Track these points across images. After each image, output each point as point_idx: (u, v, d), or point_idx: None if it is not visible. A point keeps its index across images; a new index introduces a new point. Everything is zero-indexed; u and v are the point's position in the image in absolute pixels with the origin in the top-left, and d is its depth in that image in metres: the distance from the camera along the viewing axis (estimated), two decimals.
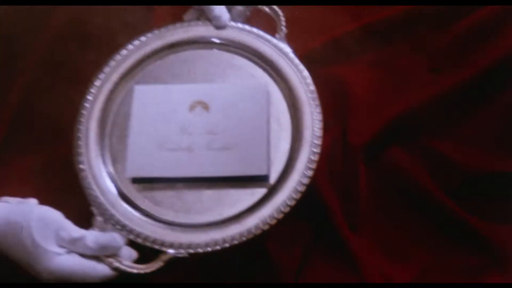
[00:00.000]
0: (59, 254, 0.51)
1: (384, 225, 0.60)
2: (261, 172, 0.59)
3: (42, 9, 0.68)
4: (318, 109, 0.61)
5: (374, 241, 0.59)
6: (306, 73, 0.62)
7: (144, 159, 0.60)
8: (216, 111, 0.62)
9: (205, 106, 0.62)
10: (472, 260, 0.56)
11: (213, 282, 0.55)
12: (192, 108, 0.62)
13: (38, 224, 0.51)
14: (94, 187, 0.59)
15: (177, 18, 0.67)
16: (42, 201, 0.55)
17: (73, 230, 0.53)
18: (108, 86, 0.64)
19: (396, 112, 0.65)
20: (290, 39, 0.64)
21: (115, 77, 0.64)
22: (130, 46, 0.65)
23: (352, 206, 0.60)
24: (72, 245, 0.52)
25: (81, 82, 0.63)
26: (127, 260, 0.53)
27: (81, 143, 0.60)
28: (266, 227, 0.56)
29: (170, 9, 0.69)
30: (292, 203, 0.57)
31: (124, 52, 0.64)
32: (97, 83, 0.63)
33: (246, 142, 0.61)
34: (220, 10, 0.64)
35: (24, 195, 0.55)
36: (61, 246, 0.52)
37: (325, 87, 0.64)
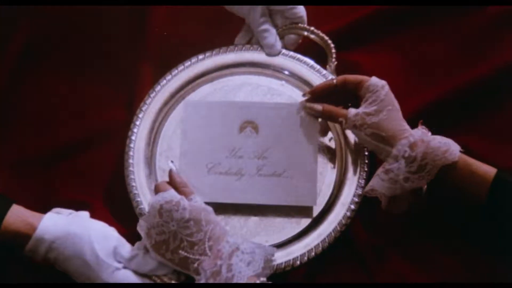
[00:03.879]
0: (117, 268, 0.62)
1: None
2: (311, 203, 0.69)
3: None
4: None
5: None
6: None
7: (194, 183, 0.68)
8: (266, 133, 0.70)
9: (255, 126, 0.70)
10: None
11: None
12: (242, 129, 0.71)
13: (98, 238, 0.62)
14: (144, 206, 0.69)
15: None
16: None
17: (130, 248, 0.64)
18: (157, 105, 0.75)
19: (418, 104, 0.72)
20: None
21: (163, 96, 0.76)
22: (180, 67, 0.76)
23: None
24: (128, 262, 0.63)
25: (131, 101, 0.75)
26: (175, 280, 0.64)
27: (131, 161, 0.72)
28: (312, 256, 0.68)
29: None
30: (337, 234, 0.69)
31: (174, 71, 0.76)
32: (147, 101, 0.75)
33: (296, 170, 0.69)
34: (273, 38, 0.75)
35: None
36: (118, 261, 0.62)
37: (343, 72, 0.72)
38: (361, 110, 0.68)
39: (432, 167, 0.64)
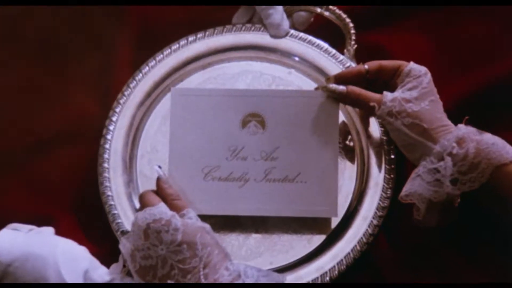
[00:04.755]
0: None
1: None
2: (331, 214, 0.64)
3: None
4: (393, 145, 0.67)
5: None
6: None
7: (187, 192, 0.64)
8: (275, 128, 0.65)
9: (261, 121, 0.66)
10: None
11: None
12: (244, 124, 0.66)
13: (66, 260, 0.58)
14: (122, 220, 0.65)
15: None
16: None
17: (105, 271, 0.60)
18: (138, 96, 0.70)
19: (455, 94, 0.70)
20: None
21: (146, 86, 0.70)
22: (166, 50, 0.71)
23: None
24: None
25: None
26: None
27: (106, 166, 0.67)
28: (326, 281, 0.63)
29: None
30: (357, 255, 0.64)
31: (159, 56, 0.71)
32: (126, 92, 0.70)
33: (313, 173, 0.65)
34: (279, 16, 0.70)
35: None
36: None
37: (362, 57, 0.70)
38: (398, 95, 0.64)
39: (486, 167, 0.59)
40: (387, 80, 0.66)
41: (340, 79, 0.66)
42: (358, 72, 0.66)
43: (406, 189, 0.63)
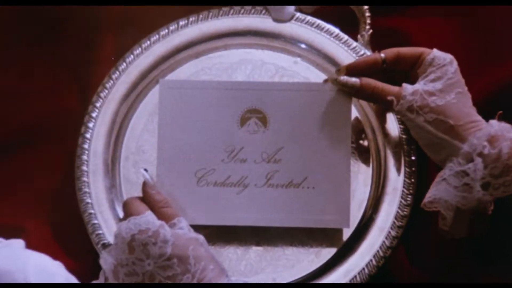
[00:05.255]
0: None
1: None
2: (342, 225, 0.62)
3: None
4: (413, 145, 0.64)
5: None
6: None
7: (178, 199, 0.62)
8: (278, 126, 0.63)
9: (262, 117, 0.63)
10: None
11: None
12: (244, 121, 0.63)
13: (38, 276, 0.55)
14: (104, 231, 0.63)
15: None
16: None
17: None
18: (121, 89, 0.67)
19: (485, 85, 0.68)
20: None
21: (130, 77, 0.67)
22: (154, 36, 0.68)
23: None
24: None
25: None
26: None
27: (85, 169, 0.64)
28: None
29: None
30: (373, 270, 0.61)
31: (146, 43, 0.68)
32: (107, 84, 0.67)
33: (322, 178, 0.63)
34: None
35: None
36: None
37: (378, 44, 0.67)
38: (420, 87, 0.61)
39: None
40: (406, 71, 0.63)
41: (352, 69, 0.63)
42: (373, 62, 0.63)
43: (430, 195, 0.60)
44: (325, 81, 0.64)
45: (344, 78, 0.63)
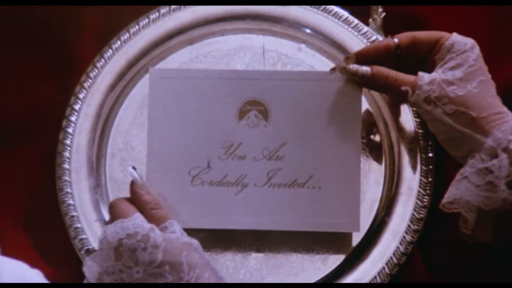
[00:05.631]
0: None
1: None
2: (352, 228, 0.60)
3: None
4: (431, 140, 0.62)
5: None
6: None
7: (170, 200, 0.60)
8: (280, 119, 0.61)
9: (263, 110, 0.61)
10: None
11: None
12: (242, 114, 0.62)
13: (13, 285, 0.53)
14: (87, 235, 0.61)
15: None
16: None
17: None
18: (108, 78, 0.65)
19: (509, 76, 0.65)
20: None
21: (117, 65, 0.65)
22: (143, 21, 0.66)
23: None
24: None
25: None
26: None
27: (67, 167, 0.63)
28: None
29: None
30: (386, 279, 0.59)
31: (134, 28, 0.65)
32: (91, 74, 0.65)
33: (329, 176, 0.61)
34: None
35: None
36: None
37: (391, 29, 0.65)
38: (438, 76, 0.58)
39: None
40: (423, 57, 0.61)
41: (362, 57, 0.61)
42: (385, 48, 0.61)
43: (450, 194, 0.58)
44: (332, 69, 0.61)
45: (353, 66, 0.60)
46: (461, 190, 0.58)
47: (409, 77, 0.60)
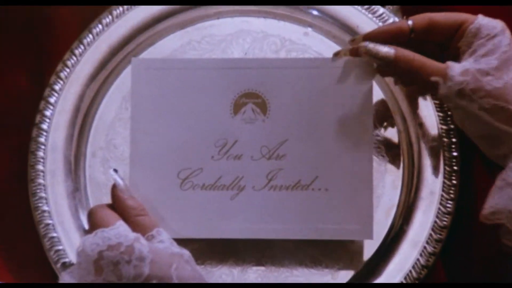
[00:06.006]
0: None
1: None
2: (364, 236, 0.58)
3: None
4: (455, 137, 0.59)
5: None
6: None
7: (157, 206, 0.58)
8: (281, 114, 0.59)
9: (261, 103, 0.59)
10: None
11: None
12: (238, 107, 0.59)
13: None
14: (64, 247, 0.59)
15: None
16: None
17: None
18: (87, 68, 0.62)
19: None
20: None
21: (98, 53, 0.62)
22: (119, 9, 0.63)
23: None
24: None
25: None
26: None
27: (41, 168, 0.60)
28: None
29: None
30: None
31: (116, 11, 0.63)
32: (69, 62, 0.62)
33: (337, 177, 0.58)
34: None
35: None
36: None
37: (408, 10, 0.63)
38: (470, 65, 0.54)
39: None
40: (441, 43, 0.57)
41: (371, 40, 0.56)
42: (397, 31, 0.57)
43: (491, 204, 0.55)
44: (336, 54, 0.57)
45: (373, 46, 0.55)
46: (504, 199, 0.55)
47: (438, 65, 0.55)
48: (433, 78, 0.55)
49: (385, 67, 0.57)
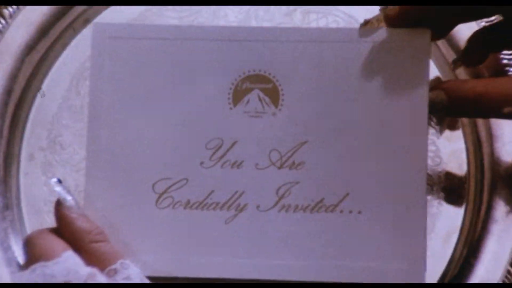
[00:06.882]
0: None
1: None
2: (414, 277, 0.49)
3: None
4: None
5: None
6: None
7: (123, 230, 0.51)
8: (298, 105, 0.50)
9: (271, 90, 0.50)
10: None
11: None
12: (238, 95, 0.50)
13: None
14: None
15: None
16: None
17: None
18: (21, 36, 0.53)
19: None
20: None
21: (36, 16, 0.53)
22: None
23: None
24: None
25: None
26: None
27: None
28: None
29: None
30: None
31: None
32: None
33: (375, 196, 0.49)
34: None
35: None
36: None
37: None
38: None
39: None
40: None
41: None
42: None
43: None
44: (364, 24, 0.48)
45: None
46: None
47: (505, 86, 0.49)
48: (506, 110, 0.49)
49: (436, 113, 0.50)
